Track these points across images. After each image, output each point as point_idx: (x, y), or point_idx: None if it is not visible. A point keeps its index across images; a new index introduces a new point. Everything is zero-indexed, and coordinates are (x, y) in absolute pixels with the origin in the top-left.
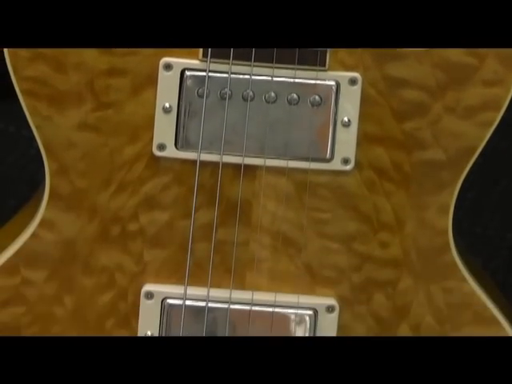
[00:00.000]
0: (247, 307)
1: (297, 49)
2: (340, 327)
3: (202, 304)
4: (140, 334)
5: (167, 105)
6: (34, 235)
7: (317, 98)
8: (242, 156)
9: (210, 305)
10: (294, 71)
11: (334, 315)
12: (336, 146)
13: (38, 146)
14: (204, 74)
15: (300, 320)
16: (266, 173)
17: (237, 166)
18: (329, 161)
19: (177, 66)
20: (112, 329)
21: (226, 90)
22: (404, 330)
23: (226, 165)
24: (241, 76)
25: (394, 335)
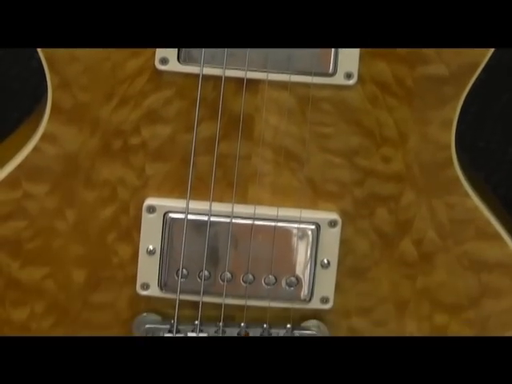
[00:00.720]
0: (249, 221)
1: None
2: (342, 242)
3: (204, 218)
4: (141, 247)
5: None
6: (35, 149)
7: None
8: (244, 70)
9: (212, 219)
10: None
11: (337, 230)
12: (339, 61)
13: (40, 59)
14: None
15: (302, 234)
16: (269, 87)
17: (239, 80)
18: (331, 75)
19: None
20: (113, 242)
21: None
22: (406, 245)
23: (229, 79)
24: None
25: (396, 250)
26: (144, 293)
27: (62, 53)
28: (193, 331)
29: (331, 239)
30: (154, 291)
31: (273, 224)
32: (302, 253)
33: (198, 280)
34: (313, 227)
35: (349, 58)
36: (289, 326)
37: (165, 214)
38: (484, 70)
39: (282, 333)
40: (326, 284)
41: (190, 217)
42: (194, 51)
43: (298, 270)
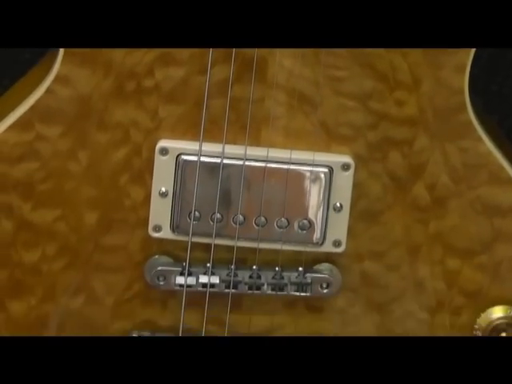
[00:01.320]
0: (262, 164)
1: None
2: (355, 185)
3: (217, 160)
4: (154, 190)
5: None
6: (48, 90)
7: None
8: None
9: (225, 161)
10: None
11: (350, 173)
12: None
13: None
14: None
15: (315, 177)
16: None
17: None
18: None
19: None
20: (126, 184)
21: None
22: (419, 189)
23: None
24: None
25: (408, 194)
26: (156, 235)
27: None
28: (204, 274)
29: (344, 182)
30: (166, 233)
31: (286, 167)
32: (314, 196)
33: (211, 222)
34: (326, 170)
35: None
36: (301, 269)
37: (177, 156)
38: None
39: (294, 276)
40: (339, 227)
41: (203, 159)
42: None
43: (311, 213)
